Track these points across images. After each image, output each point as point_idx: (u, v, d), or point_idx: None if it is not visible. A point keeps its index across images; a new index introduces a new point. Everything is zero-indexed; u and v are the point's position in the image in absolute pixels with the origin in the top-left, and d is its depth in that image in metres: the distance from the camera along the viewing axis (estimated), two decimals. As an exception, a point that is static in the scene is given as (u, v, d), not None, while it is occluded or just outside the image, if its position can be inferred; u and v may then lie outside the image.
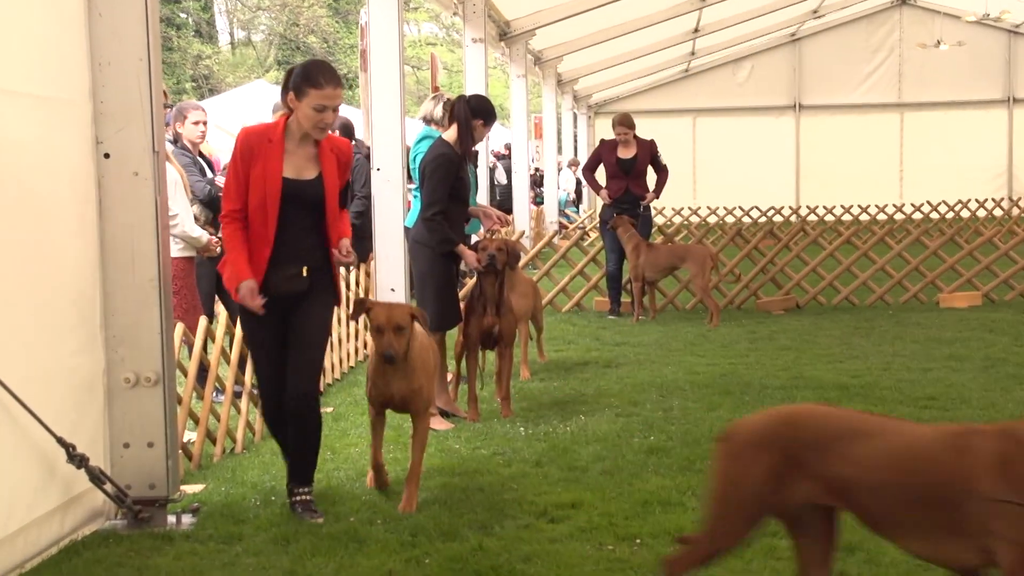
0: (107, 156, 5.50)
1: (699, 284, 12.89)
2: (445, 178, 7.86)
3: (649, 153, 13.55)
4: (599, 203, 14.12)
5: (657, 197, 13.66)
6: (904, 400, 8.25)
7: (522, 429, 7.61)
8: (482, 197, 16.14)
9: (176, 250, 8.28)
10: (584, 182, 14.20)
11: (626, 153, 13.57)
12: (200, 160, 9.57)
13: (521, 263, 15.01)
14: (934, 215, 25.49)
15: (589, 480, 6.30)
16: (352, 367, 10.25)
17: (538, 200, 26.57)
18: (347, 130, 11.81)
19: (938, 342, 11.08)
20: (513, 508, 5.78)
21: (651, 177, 13.67)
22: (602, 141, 14.09)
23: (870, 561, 4.94)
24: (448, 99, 9.37)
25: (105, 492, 5.45)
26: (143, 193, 5.53)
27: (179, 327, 6.80)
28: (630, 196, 13.49)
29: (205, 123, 9.60)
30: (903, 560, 4.92)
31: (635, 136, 13.59)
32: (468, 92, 17.89)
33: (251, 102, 22.06)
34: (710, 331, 12.26)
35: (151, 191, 5.54)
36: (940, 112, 31.12)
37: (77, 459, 5.15)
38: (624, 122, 13.63)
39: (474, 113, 8.01)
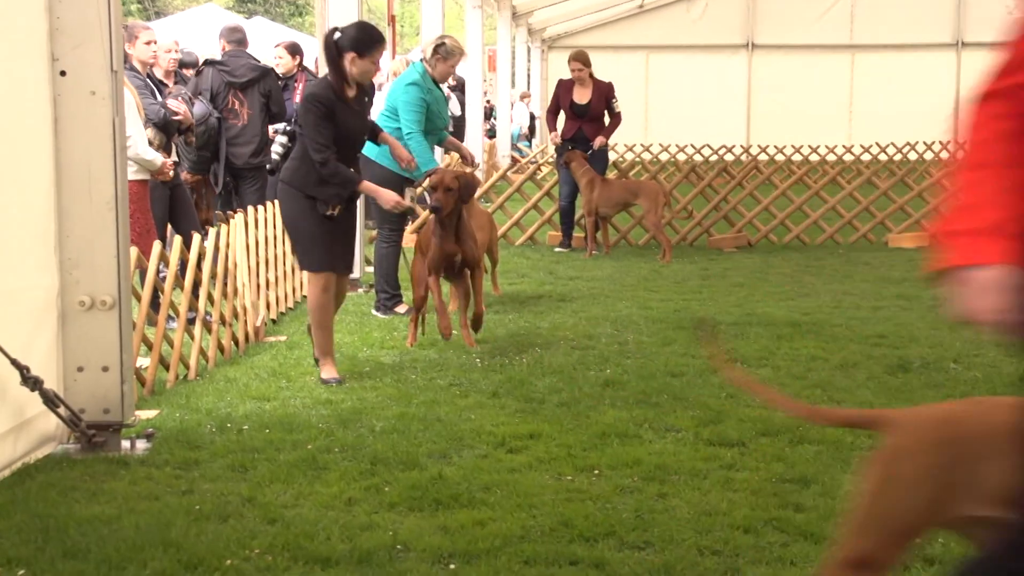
0: (63, 74, 5.36)
1: (651, 220, 12.87)
2: (318, 121, 6.95)
3: (604, 98, 13.48)
4: (545, 137, 14.11)
5: (606, 141, 13.60)
6: (855, 338, 8.30)
7: (478, 360, 7.59)
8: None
9: (130, 173, 8.12)
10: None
11: (582, 97, 13.51)
12: (150, 82, 9.41)
13: (476, 196, 14.98)
14: (882, 156, 25.60)
15: (546, 412, 6.30)
16: (305, 296, 10.15)
17: (491, 134, 26.42)
18: (293, 48, 11.65)
19: (887, 281, 11.16)
20: (471, 438, 5.76)
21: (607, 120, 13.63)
22: (560, 81, 13.99)
23: (825, 494, 4.96)
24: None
25: (59, 416, 5.37)
26: (101, 113, 5.40)
27: (133, 251, 6.69)
28: (582, 136, 13.48)
29: (156, 43, 9.43)
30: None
31: (592, 77, 13.51)
32: (424, 25, 17.76)
33: (200, 26, 21.71)
34: (663, 267, 12.27)
35: (109, 111, 5.42)
36: (890, 54, 31.18)
37: (31, 381, 5.07)
38: (579, 58, 13.53)
39: (346, 46, 7.03)
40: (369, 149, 8.45)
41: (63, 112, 5.39)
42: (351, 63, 7.06)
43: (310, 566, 4.21)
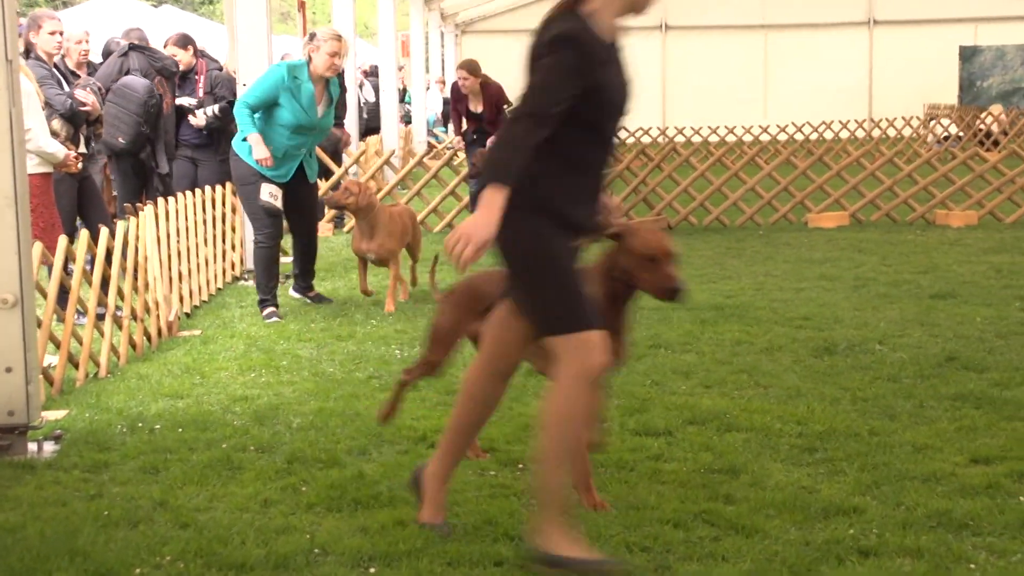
0: (-45, 63, 5.12)
1: None
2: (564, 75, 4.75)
3: (495, 105, 13.68)
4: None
5: None
6: (779, 320, 8.24)
7: (397, 352, 7.42)
8: (351, 116, 15.80)
9: (31, 166, 7.84)
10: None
11: (475, 107, 13.83)
12: (57, 72, 9.11)
13: (393, 183, 14.77)
14: (798, 136, 25.73)
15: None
16: (220, 288, 9.93)
17: (406, 119, 26.16)
18: (184, 41, 11.37)
19: (809, 262, 11.15)
20: (392, 434, 5.60)
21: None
22: (454, 84, 14.35)
23: (755, 484, 4.88)
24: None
25: (-41, 421, 5.13)
26: (-4, 105, 5.16)
27: (37, 246, 6.44)
28: (482, 133, 13.81)
29: (61, 33, 9.14)
30: (788, 483, 4.88)
31: (484, 82, 13.71)
32: (335, 11, 17.48)
33: (108, 16, 21.26)
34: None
35: (5, 103, 5.16)
36: (804, 33, 31.40)
37: (-72, 386, 4.83)
38: (464, 67, 13.90)
39: None
40: (237, 143, 8.66)
41: (-44, 103, 5.13)
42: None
43: (224, 573, 4.03)
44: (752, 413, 5.90)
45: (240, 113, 8.48)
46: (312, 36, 8.69)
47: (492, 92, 13.65)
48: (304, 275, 9.34)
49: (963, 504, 4.57)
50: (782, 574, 3.98)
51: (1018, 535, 4.29)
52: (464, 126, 14.23)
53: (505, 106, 13.52)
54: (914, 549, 4.15)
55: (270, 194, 8.54)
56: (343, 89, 9.31)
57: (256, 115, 8.51)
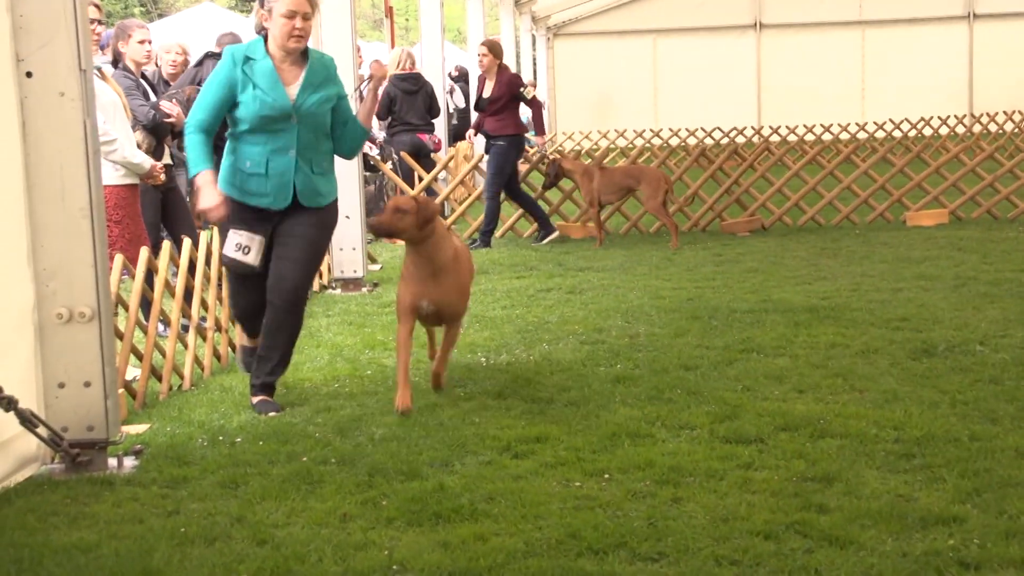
0: (29, 75, 5.09)
1: (652, 205, 12.70)
2: None
3: (508, 91, 13.30)
4: (554, 127, 14.25)
5: (542, 135, 14.08)
6: (876, 322, 8.00)
7: (483, 359, 7.32)
8: (441, 120, 15.78)
9: (117, 177, 7.89)
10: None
11: (487, 91, 13.44)
12: (143, 83, 9.15)
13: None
14: (897, 133, 25.23)
15: (554, 412, 6.02)
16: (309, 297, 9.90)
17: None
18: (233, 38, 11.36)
19: (907, 261, 10.84)
20: (475, 443, 5.49)
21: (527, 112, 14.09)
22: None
23: (849, 492, 4.69)
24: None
25: (38, 435, 5.10)
26: (70, 116, 5.12)
27: (118, 258, 6.44)
28: (484, 131, 13.48)
29: (150, 42, 9.17)
30: (885, 491, 4.68)
31: (500, 66, 13.40)
32: (422, 16, 17.46)
33: (200, 26, 21.47)
34: (674, 254, 11.98)
35: (79, 113, 5.14)
36: (901, 28, 30.83)
37: (5, 401, 4.80)
38: (486, 43, 13.62)
39: None
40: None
41: (31, 115, 5.11)
42: None
43: (301, 591, 3.95)
44: (847, 418, 5.70)
45: (189, 142, 6.14)
46: (262, 1, 6.30)
47: (506, 79, 13.32)
48: (262, 366, 6.41)
49: (1071, 513, 4.35)
50: (878, 589, 3.81)
51: None
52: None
53: (522, 89, 13.35)
54: (1018, 560, 3.94)
55: (238, 246, 6.19)
56: (430, 94, 8.86)
57: (228, 142, 6.33)
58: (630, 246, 12.74)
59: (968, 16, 31.00)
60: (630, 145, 24.87)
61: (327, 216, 6.42)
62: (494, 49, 13.37)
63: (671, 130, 26.58)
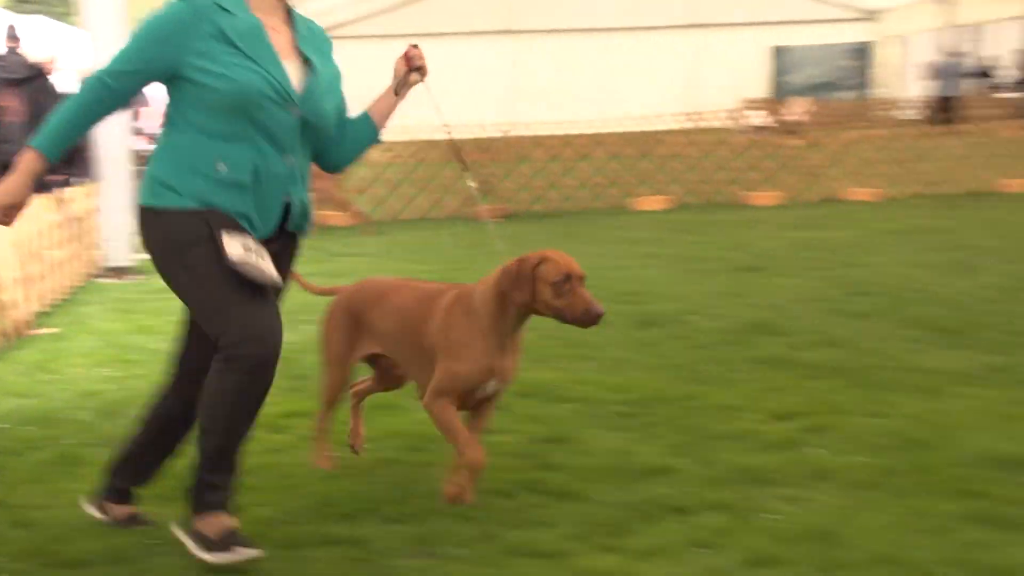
0: None
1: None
2: None
3: None
4: None
5: None
6: (606, 296, 7.83)
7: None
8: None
9: None
10: None
11: None
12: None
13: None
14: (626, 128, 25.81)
15: (311, 389, 5.87)
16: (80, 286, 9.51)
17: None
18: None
19: (634, 242, 11.13)
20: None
21: None
22: None
23: (580, 452, 4.78)
24: None
25: None
26: None
27: None
28: None
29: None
30: (610, 449, 4.78)
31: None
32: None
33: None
34: (433, 241, 12.01)
35: None
36: (628, 35, 31.52)
37: None
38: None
39: None
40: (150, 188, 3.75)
41: None
42: None
43: (62, 570, 3.75)
44: (580, 384, 5.82)
45: (70, 100, 3.64)
46: None
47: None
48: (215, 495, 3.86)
49: (764, 459, 4.54)
50: (600, 535, 3.87)
51: (811, 484, 4.29)
52: None
53: None
54: (720, 503, 4.09)
55: (244, 247, 3.66)
56: None
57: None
58: (390, 233, 12.68)
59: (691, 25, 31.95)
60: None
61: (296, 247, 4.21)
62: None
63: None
